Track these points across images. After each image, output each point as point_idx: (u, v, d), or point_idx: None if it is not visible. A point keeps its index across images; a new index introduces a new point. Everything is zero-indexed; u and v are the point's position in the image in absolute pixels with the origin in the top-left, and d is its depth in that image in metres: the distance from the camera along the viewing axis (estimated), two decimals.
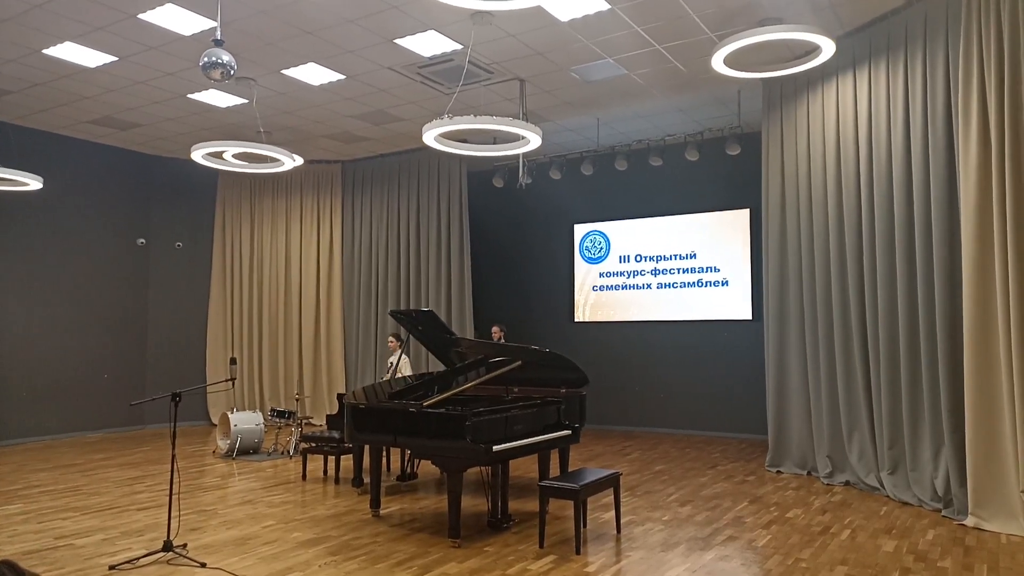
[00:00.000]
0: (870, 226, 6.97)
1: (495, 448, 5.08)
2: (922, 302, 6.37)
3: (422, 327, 6.75)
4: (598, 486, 5.25)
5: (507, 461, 5.56)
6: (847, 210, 7.19)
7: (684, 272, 10.97)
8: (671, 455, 8.92)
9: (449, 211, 11.24)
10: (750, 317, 10.39)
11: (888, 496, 6.54)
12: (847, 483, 7.08)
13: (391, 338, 8.81)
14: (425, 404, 5.38)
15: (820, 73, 7.44)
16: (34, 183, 8.38)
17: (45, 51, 7.43)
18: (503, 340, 8.50)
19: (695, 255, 10.90)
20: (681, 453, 9.06)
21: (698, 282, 10.86)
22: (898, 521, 5.78)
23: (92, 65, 7.80)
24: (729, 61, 6.64)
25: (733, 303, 10.57)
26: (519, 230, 12.27)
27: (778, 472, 7.75)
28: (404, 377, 7.43)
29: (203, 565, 4.69)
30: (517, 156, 10.38)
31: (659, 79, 8.31)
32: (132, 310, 11.26)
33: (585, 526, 5.41)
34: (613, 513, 5.63)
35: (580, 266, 11.78)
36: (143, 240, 11.61)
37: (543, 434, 5.64)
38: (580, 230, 11.83)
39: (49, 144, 10.26)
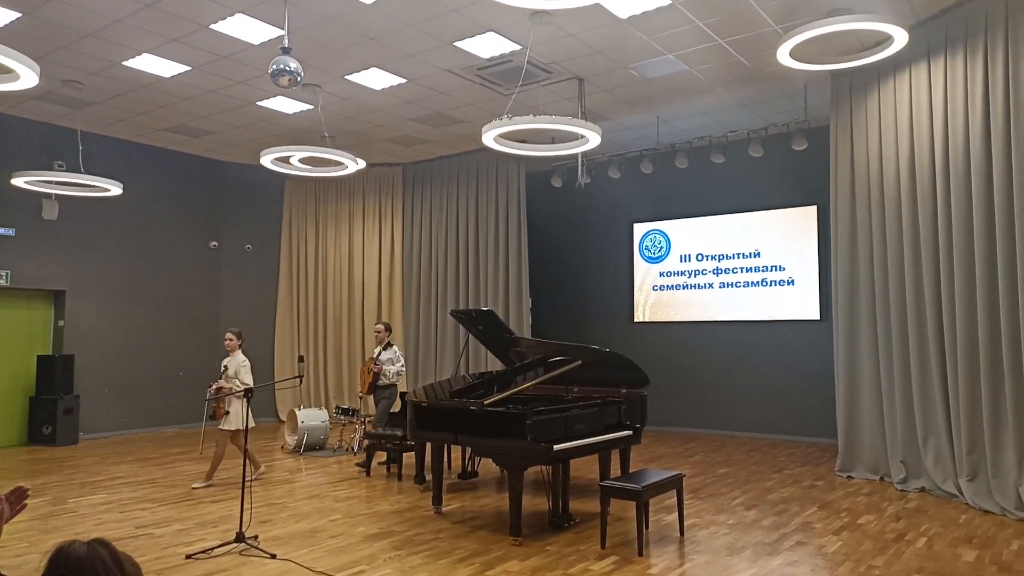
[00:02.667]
0: (947, 222, 6.66)
1: (556, 447, 5.07)
2: (1004, 300, 6.05)
3: (482, 326, 6.79)
4: (660, 487, 5.17)
5: (568, 461, 5.55)
6: (922, 205, 6.89)
7: (748, 271, 10.71)
8: (735, 458, 8.72)
9: (507, 211, 11.27)
10: (818, 317, 10.07)
11: (967, 503, 6.23)
12: (922, 489, 6.78)
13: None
14: (485, 403, 5.40)
15: (892, 64, 7.16)
16: (115, 189, 8.80)
17: (125, 63, 7.80)
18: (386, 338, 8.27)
19: (759, 254, 10.63)
20: (746, 456, 8.85)
21: (762, 281, 10.59)
22: (979, 530, 5.50)
23: (167, 75, 8.14)
24: (795, 54, 6.45)
25: (800, 303, 10.26)
26: (577, 230, 12.21)
27: (848, 477, 7.49)
28: (465, 376, 7.49)
29: (273, 556, 4.83)
30: (576, 155, 10.34)
31: (721, 74, 8.14)
32: (205, 310, 11.70)
33: (647, 528, 5.34)
34: (676, 515, 5.54)
35: (640, 266, 11.64)
36: (215, 243, 12.05)
37: (604, 434, 5.59)
38: (640, 229, 11.70)
39: (128, 152, 10.76)
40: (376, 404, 8.30)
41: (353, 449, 9.03)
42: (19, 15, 6.64)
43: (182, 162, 11.53)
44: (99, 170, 9.24)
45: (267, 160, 8.54)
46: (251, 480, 7.14)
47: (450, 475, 7.43)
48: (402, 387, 11.61)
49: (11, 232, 9.70)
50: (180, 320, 11.30)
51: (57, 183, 8.91)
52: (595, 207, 11.93)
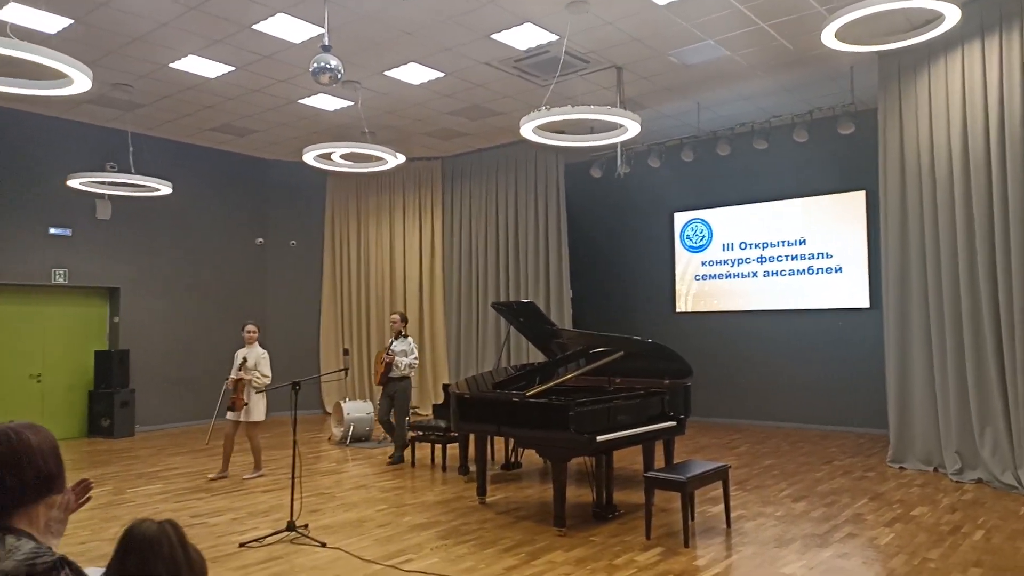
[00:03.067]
0: (1002, 204, 6.42)
1: (599, 438, 5.06)
2: None
3: (523, 318, 6.81)
4: (706, 479, 5.12)
5: (611, 452, 5.54)
6: (976, 188, 6.65)
7: (793, 259, 10.50)
8: (782, 449, 8.58)
9: (547, 203, 11.26)
10: (867, 305, 9.82)
11: None
12: (979, 480, 6.58)
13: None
14: (528, 394, 5.42)
15: (943, 43, 6.91)
16: (165, 188, 9.06)
17: (171, 65, 8.00)
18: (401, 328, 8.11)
19: (804, 241, 10.41)
20: (793, 447, 8.70)
21: (808, 269, 10.37)
22: None
23: (212, 76, 8.33)
24: (841, 35, 6.27)
25: (848, 290, 10.02)
26: (617, 220, 12.13)
27: (901, 468, 7.31)
28: (506, 367, 7.53)
29: (323, 545, 4.94)
30: (615, 145, 10.25)
31: (763, 58, 7.97)
32: (252, 305, 11.96)
33: (693, 519, 5.30)
34: (721, 507, 5.49)
35: (681, 255, 11.51)
36: (261, 239, 12.31)
37: (647, 425, 5.57)
38: (681, 218, 11.55)
39: (176, 152, 11.05)
40: (383, 396, 7.95)
41: None
42: (71, 22, 6.87)
43: (228, 161, 11.79)
44: (149, 170, 9.52)
45: (309, 157, 8.68)
46: (214, 477, 7.20)
47: (493, 466, 7.48)
48: (444, 378, 11.79)
49: (68, 232, 10.06)
50: (229, 315, 11.56)
51: (110, 183, 9.20)
52: (635, 197, 11.82)
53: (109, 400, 10.11)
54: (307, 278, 12.79)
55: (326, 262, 12.92)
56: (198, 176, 11.41)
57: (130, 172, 9.16)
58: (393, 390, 7.95)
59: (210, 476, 7.26)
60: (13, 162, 9.57)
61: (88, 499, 1.93)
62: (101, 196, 10.00)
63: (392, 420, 7.99)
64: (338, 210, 12.96)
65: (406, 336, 8.10)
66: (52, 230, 9.91)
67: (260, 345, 7.43)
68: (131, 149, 9.33)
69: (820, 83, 8.85)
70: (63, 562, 1.54)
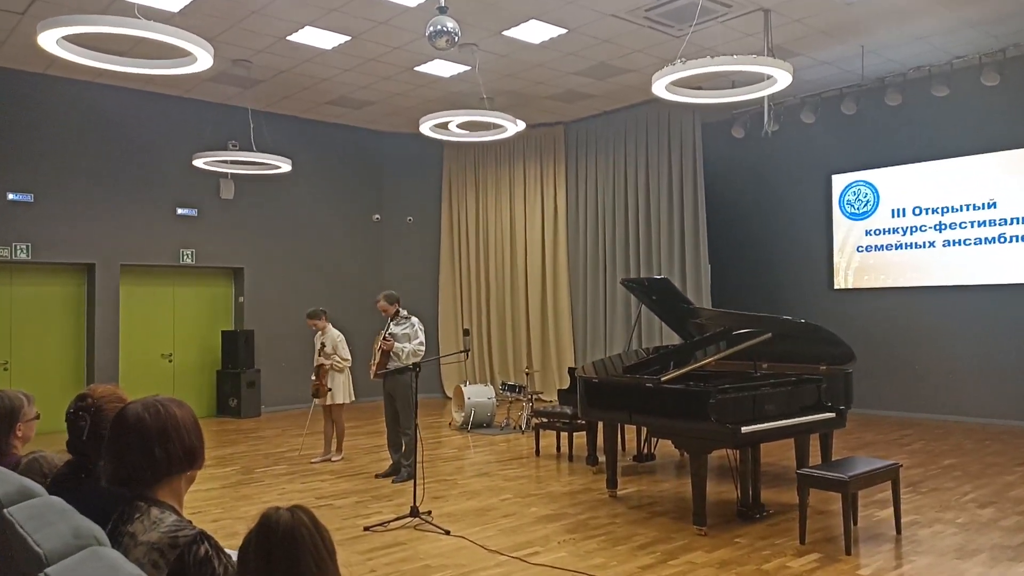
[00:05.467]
0: None
1: (744, 429, 4.93)
2: None
3: (656, 296, 6.71)
4: (871, 479, 4.86)
5: (758, 445, 5.41)
6: None
7: (981, 225, 9.64)
8: (965, 447, 7.98)
9: (682, 168, 10.97)
10: None
11: None
12: None
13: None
14: (663, 379, 5.35)
15: None
16: (284, 165, 9.62)
17: (288, 38, 8.45)
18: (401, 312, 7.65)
19: (995, 204, 9.52)
20: (979, 446, 8.06)
21: (999, 237, 9.48)
22: None
23: (328, 47, 8.72)
24: None
25: None
26: (764, 185, 11.62)
27: None
28: (638, 350, 7.45)
29: (447, 532, 5.14)
30: (761, 100, 9.79)
31: None
32: (371, 283, 12.50)
33: (856, 524, 5.05)
34: (890, 511, 5.18)
35: (840, 223, 10.87)
36: (378, 216, 12.84)
37: (800, 416, 5.36)
38: (840, 181, 10.89)
39: (294, 128, 11.71)
40: (384, 396, 7.01)
41: (521, 428, 9.32)
42: None
43: (344, 135, 12.35)
44: (269, 147, 10.12)
45: (426, 127, 8.91)
46: (317, 461, 7.64)
47: (624, 457, 7.46)
48: (569, 362, 11.84)
49: (194, 212, 10.95)
50: (348, 294, 12.17)
51: (232, 162, 9.89)
52: (785, 158, 11.27)
53: (236, 380, 10.98)
54: (424, 256, 13.22)
55: (443, 238, 13.28)
56: (315, 152, 12.04)
57: (251, 150, 9.78)
58: (393, 386, 6.89)
59: (312, 460, 7.74)
60: (139, 144, 10.52)
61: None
62: (224, 175, 10.78)
63: (399, 433, 6.89)
64: (455, 183, 13.26)
65: (408, 317, 7.06)
66: (179, 210, 10.82)
67: (333, 327, 7.84)
68: (252, 126, 9.96)
69: (1016, 15, 7.99)
70: (203, 536, 1.69)
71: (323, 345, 7.70)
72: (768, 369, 6.10)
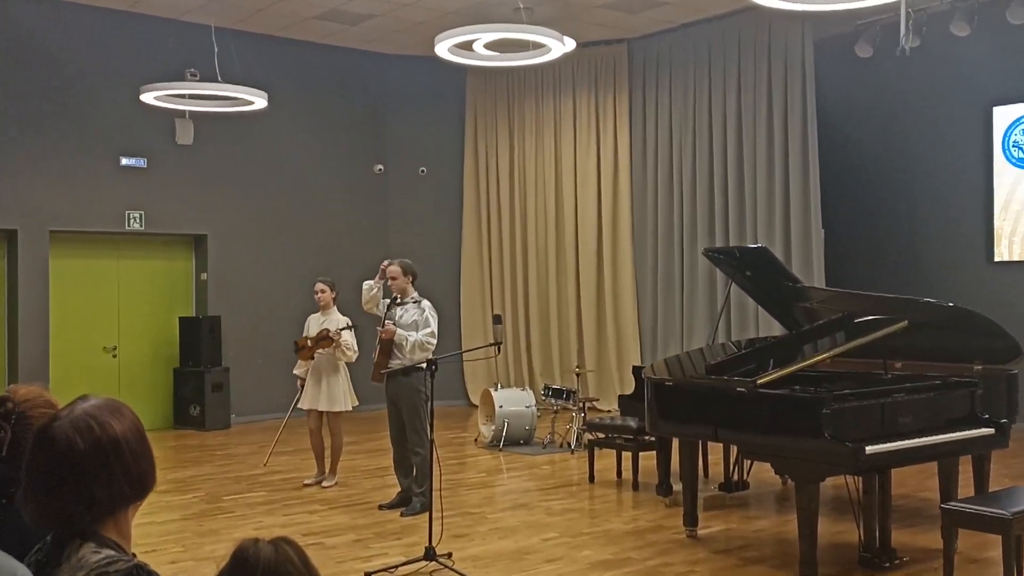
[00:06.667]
0: None
1: (869, 449, 4.88)
2: None
3: (750, 271, 6.68)
4: None
5: (887, 470, 5.38)
6: None
7: None
8: None
9: (786, 99, 10.82)
10: None
11: None
12: None
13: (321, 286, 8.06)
14: (759, 381, 5.32)
15: None
16: (259, 101, 9.70)
17: None
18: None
19: None
20: None
21: None
22: None
23: None
24: None
25: None
26: (897, 122, 11.42)
27: None
28: (726, 343, 7.41)
29: None
30: (896, 6, 9.57)
31: None
32: (372, 254, 12.51)
33: (1021, 574, 4.98)
34: None
35: (1004, 173, 10.66)
36: (381, 167, 12.90)
37: (946, 432, 5.29)
38: (1004, 116, 10.67)
39: (270, 52, 11.77)
40: (388, 404, 7.06)
41: (569, 445, 9.35)
42: None
43: (336, 61, 12.42)
44: (238, 78, 10.20)
45: (443, 48, 8.90)
46: (309, 484, 7.83)
47: (708, 485, 7.44)
48: (634, 359, 11.81)
49: (143, 163, 11.12)
50: (343, 268, 12.21)
51: (191, 97, 9.99)
52: (927, 85, 11.06)
53: (198, 381, 11.20)
54: (442, 218, 13.29)
55: (467, 195, 13.31)
56: (299, 84, 12.13)
57: (216, 81, 9.87)
58: (397, 390, 6.90)
59: (305, 482, 7.90)
60: (71, 74, 10.68)
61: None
62: (181, 113, 10.88)
63: (408, 452, 6.94)
64: (482, 123, 13.25)
65: (419, 300, 7.08)
66: (124, 160, 11.01)
67: (339, 311, 7.94)
68: (216, 50, 10.04)
69: None
70: (139, 569, 1.71)
71: (326, 332, 7.77)
72: (903, 369, 6.05)
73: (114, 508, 1.79)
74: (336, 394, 7.76)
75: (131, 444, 1.82)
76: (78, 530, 1.76)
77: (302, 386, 7.98)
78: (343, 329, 7.64)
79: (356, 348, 7.79)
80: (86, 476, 1.75)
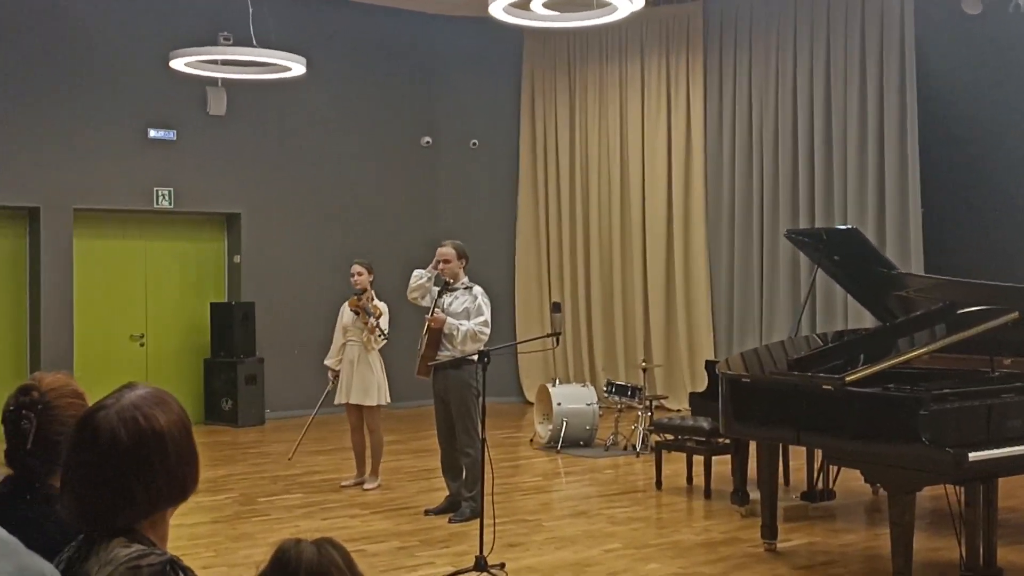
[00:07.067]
0: None
1: (972, 456, 4.82)
2: None
3: (839, 256, 6.64)
4: None
5: (993, 480, 5.32)
6: None
7: None
8: None
9: (881, 65, 10.67)
10: None
11: None
12: None
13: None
14: (849, 379, 5.28)
15: None
16: (297, 67, 9.76)
17: None
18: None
19: None
20: None
21: None
22: None
23: None
24: None
25: None
26: (1008, 90, 11.14)
27: None
28: (810, 336, 7.34)
29: None
30: None
31: None
32: (420, 233, 12.58)
33: None
34: None
35: None
36: (429, 139, 12.94)
37: None
38: None
39: (309, 14, 11.86)
40: (436, 401, 7.09)
41: (635, 448, 9.32)
42: None
43: (380, 22, 12.49)
44: (274, 43, 10.25)
45: (497, 7, 8.86)
46: (348, 485, 7.99)
47: (788, 494, 7.38)
48: (707, 354, 11.71)
49: (172, 135, 11.28)
50: (386, 250, 12.29)
51: (224, 63, 10.09)
52: None
53: (230, 373, 11.38)
54: (495, 195, 13.33)
55: (523, 171, 13.32)
56: (339, 49, 12.21)
57: (250, 46, 9.95)
58: (446, 386, 6.94)
59: (343, 483, 8.03)
60: (95, 41, 10.87)
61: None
62: (213, 81, 11.03)
63: (458, 453, 6.98)
64: (540, 90, 13.23)
65: (470, 286, 7.14)
66: (152, 133, 11.19)
67: (378, 297, 8.03)
68: (250, 12, 10.12)
69: None
70: (175, 565, 1.74)
71: (368, 299, 7.90)
72: (1012, 367, 5.94)
73: (153, 509, 1.82)
74: (369, 386, 7.84)
75: (178, 442, 1.85)
76: (114, 529, 1.79)
77: (334, 378, 8.09)
78: (379, 317, 7.74)
79: (386, 334, 7.85)
80: (126, 474, 1.77)
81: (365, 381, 7.84)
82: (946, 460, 4.79)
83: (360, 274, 8.01)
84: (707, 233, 12.20)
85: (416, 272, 7.26)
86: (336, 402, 8.08)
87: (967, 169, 11.41)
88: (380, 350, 8.00)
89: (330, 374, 8.18)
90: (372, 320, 7.73)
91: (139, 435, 1.79)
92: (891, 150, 10.59)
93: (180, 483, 1.85)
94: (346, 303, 8.12)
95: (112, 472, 1.77)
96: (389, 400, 8.07)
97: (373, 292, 8.00)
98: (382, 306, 7.94)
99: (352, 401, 7.87)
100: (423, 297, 7.20)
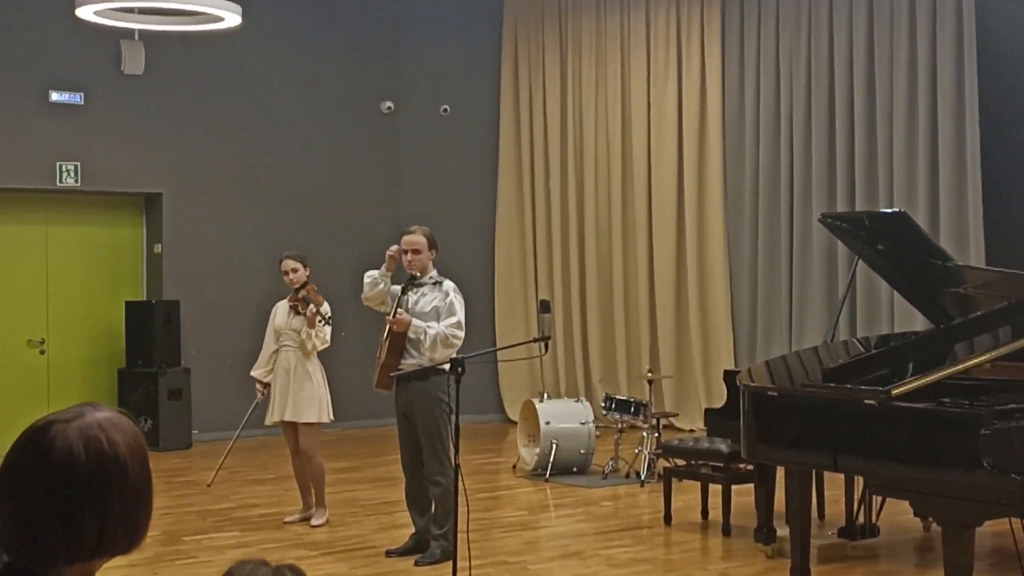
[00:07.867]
0: None
1: None
2: None
3: (883, 244, 6.67)
4: None
5: None
6: None
7: None
8: None
9: (934, 20, 10.71)
10: None
11: None
12: None
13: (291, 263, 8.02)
14: (895, 392, 5.31)
15: None
16: (230, 17, 9.71)
17: None
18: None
19: None
20: None
21: None
22: None
23: None
24: None
25: None
26: None
27: None
28: (849, 341, 7.38)
29: None
30: None
31: None
32: (379, 218, 12.58)
33: None
34: None
35: None
36: (390, 104, 12.89)
37: None
38: None
39: None
40: (399, 415, 7.10)
41: (639, 475, 9.34)
42: None
43: None
44: None
45: None
46: (292, 521, 7.95)
47: (824, 530, 7.43)
48: (726, 362, 11.75)
49: (79, 99, 11.21)
50: (340, 238, 12.29)
51: (141, 12, 10.03)
52: None
53: (150, 387, 11.31)
54: (471, 172, 13.32)
55: (504, 144, 13.33)
56: None
57: None
58: (411, 400, 6.94)
59: (286, 519, 8.00)
60: None
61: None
62: (129, 34, 10.97)
63: (425, 482, 6.99)
64: (524, 49, 13.25)
65: (440, 281, 7.16)
66: (54, 95, 11.12)
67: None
68: None
69: None
70: None
71: (308, 293, 7.89)
72: None
73: (94, 553, 1.77)
74: (307, 400, 7.82)
75: (139, 481, 1.76)
76: (40, 570, 1.75)
77: (263, 391, 8.07)
78: (328, 318, 7.76)
79: (328, 319, 7.83)
80: (77, 504, 1.70)
81: (300, 394, 7.83)
82: (1012, 489, 4.83)
83: (295, 270, 7.92)
84: (725, 219, 12.25)
85: (369, 274, 7.15)
86: (268, 421, 8.05)
87: None
88: (324, 359, 7.95)
89: (258, 386, 8.13)
90: (312, 308, 7.68)
91: (100, 458, 1.72)
92: (945, 122, 10.62)
93: (132, 530, 1.77)
94: (280, 302, 8.06)
95: (62, 499, 1.70)
96: (332, 417, 8.04)
97: (315, 286, 7.96)
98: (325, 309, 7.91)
99: (287, 418, 7.85)
100: (382, 302, 7.15)
